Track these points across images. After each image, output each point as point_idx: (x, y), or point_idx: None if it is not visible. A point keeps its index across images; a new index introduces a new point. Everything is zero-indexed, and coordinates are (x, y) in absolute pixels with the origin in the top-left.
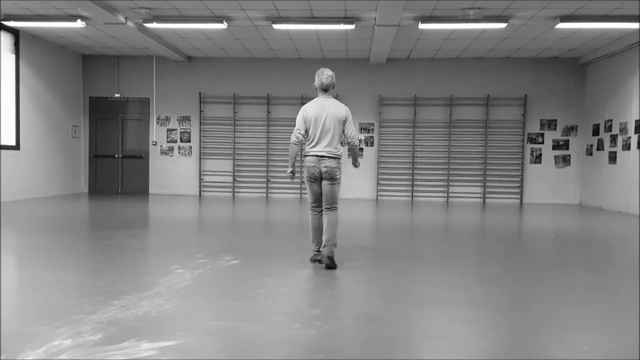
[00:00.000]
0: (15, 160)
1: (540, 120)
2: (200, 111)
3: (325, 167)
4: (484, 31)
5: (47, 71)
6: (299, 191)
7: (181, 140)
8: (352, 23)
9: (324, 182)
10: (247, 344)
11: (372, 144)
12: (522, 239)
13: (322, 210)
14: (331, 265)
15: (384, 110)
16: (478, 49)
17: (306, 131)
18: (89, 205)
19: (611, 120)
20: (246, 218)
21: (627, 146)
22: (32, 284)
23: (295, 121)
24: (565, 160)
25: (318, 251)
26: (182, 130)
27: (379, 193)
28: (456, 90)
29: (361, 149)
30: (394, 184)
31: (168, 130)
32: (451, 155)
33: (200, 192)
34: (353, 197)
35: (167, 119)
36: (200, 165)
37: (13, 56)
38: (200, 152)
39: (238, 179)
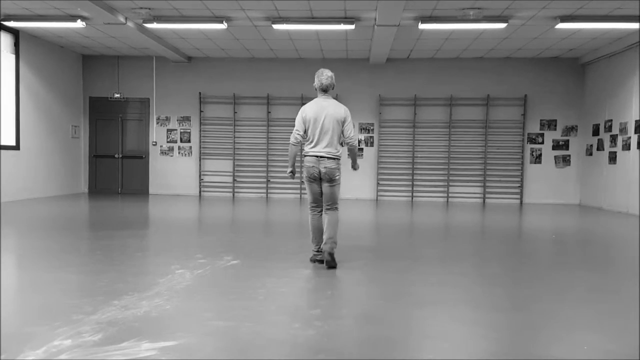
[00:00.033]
0: (15, 160)
1: (540, 120)
2: (200, 111)
3: (325, 167)
4: (484, 31)
5: (47, 71)
6: (298, 191)
7: (181, 141)
8: (352, 23)
9: (324, 184)
10: (247, 344)
11: (372, 144)
12: (522, 239)
13: (321, 211)
14: (332, 263)
15: (384, 110)
16: (478, 49)
17: (305, 132)
18: (89, 205)
19: (611, 120)
20: (246, 218)
21: (627, 146)
22: (32, 284)
23: (295, 121)
24: (565, 160)
25: (318, 251)
26: (182, 131)
27: (379, 193)
28: (456, 90)
29: (361, 149)
30: (394, 184)
31: (168, 130)
32: (451, 156)
33: (200, 192)
34: (353, 197)
35: (167, 119)
36: (200, 165)
37: (13, 56)
38: (200, 152)
39: (238, 179)
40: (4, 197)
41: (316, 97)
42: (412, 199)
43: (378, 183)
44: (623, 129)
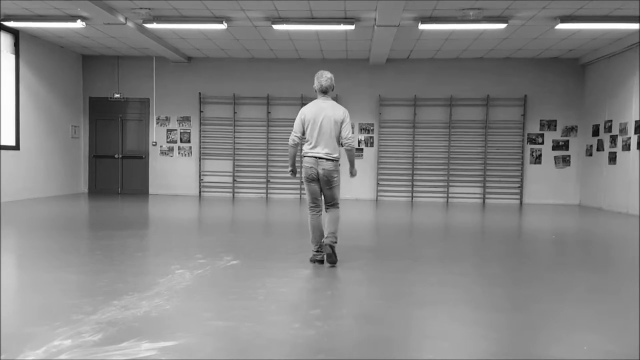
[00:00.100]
0: (15, 161)
1: (540, 120)
2: (200, 111)
3: (323, 169)
4: (483, 32)
5: (47, 71)
6: (298, 191)
7: (181, 141)
8: (351, 23)
9: (323, 185)
10: (247, 344)
11: (372, 145)
12: (522, 239)
13: (320, 210)
14: (332, 258)
15: (383, 110)
16: (478, 49)
17: (303, 133)
18: (89, 205)
19: (611, 120)
20: (246, 218)
21: (626, 147)
22: (32, 284)
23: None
24: (565, 160)
25: (317, 251)
26: (182, 131)
27: (379, 193)
28: (456, 91)
29: (360, 150)
30: (394, 185)
31: (168, 130)
32: (451, 156)
33: (200, 192)
34: (353, 197)
35: (167, 119)
36: (200, 165)
37: (13, 56)
38: (200, 153)
39: (238, 180)
40: (4, 197)
41: (316, 98)
42: (412, 199)
43: (378, 183)
44: (623, 130)
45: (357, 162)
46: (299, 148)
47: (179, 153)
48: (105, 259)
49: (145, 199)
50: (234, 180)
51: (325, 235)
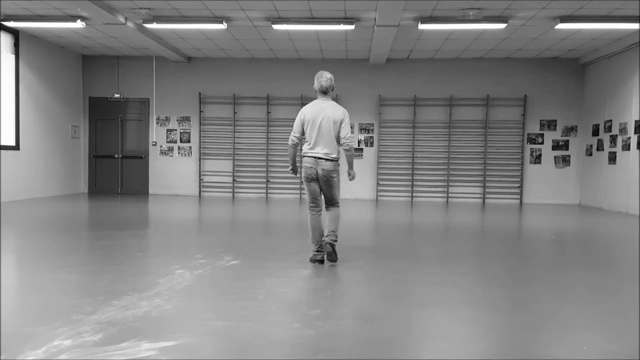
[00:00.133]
0: (15, 161)
1: (540, 120)
2: (200, 111)
3: (322, 169)
4: (483, 31)
5: (47, 71)
6: (298, 191)
7: (181, 141)
8: (351, 23)
9: (322, 185)
10: (247, 344)
11: (371, 145)
12: (522, 239)
13: (320, 210)
14: (332, 256)
15: (383, 110)
16: (478, 49)
17: (303, 133)
18: (89, 205)
19: (611, 120)
20: (246, 218)
21: (626, 146)
22: (32, 284)
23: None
24: (565, 160)
25: (317, 251)
26: (181, 131)
27: (379, 193)
28: (456, 91)
29: (360, 150)
30: (394, 184)
31: (168, 130)
32: (451, 156)
33: (200, 192)
34: (353, 197)
35: (167, 119)
36: (200, 165)
37: (13, 56)
38: (200, 153)
39: (238, 179)
40: (4, 197)
41: (316, 98)
42: (411, 199)
43: (378, 183)
44: (623, 129)
45: (357, 162)
46: (299, 148)
47: (179, 153)
48: (105, 259)
49: (145, 199)
50: (234, 180)
51: (326, 234)
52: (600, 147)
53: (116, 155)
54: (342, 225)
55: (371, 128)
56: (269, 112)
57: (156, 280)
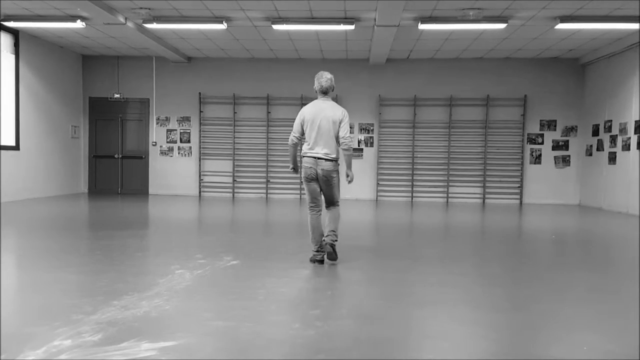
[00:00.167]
0: (15, 161)
1: (540, 120)
2: (200, 111)
3: (322, 169)
4: (483, 31)
5: (47, 71)
6: (298, 191)
7: (181, 141)
8: (351, 23)
9: (322, 185)
10: (247, 344)
11: (371, 145)
12: (522, 239)
13: (320, 210)
14: (332, 256)
15: (383, 110)
16: (478, 49)
17: (303, 133)
18: (89, 205)
19: (611, 120)
20: (246, 218)
21: (626, 146)
22: (32, 284)
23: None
24: (565, 160)
25: (317, 251)
26: (181, 131)
27: (379, 193)
28: (456, 91)
29: (360, 150)
30: (394, 185)
31: (168, 130)
32: (451, 156)
33: (200, 192)
34: (353, 197)
35: (167, 119)
36: (200, 165)
37: (13, 56)
38: (200, 153)
39: (238, 180)
40: (4, 197)
41: (316, 98)
42: (412, 199)
43: (378, 183)
44: (623, 130)
45: (357, 162)
46: (299, 147)
47: (178, 153)
48: (105, 259)
49: (145, 199)
50: (234, 180)
51: (326, 234)
52: (600, 147)
53: (116, 156)
54: (342, 225)
55: (371, 128)
56: (269, 112)
57: (156, 280)
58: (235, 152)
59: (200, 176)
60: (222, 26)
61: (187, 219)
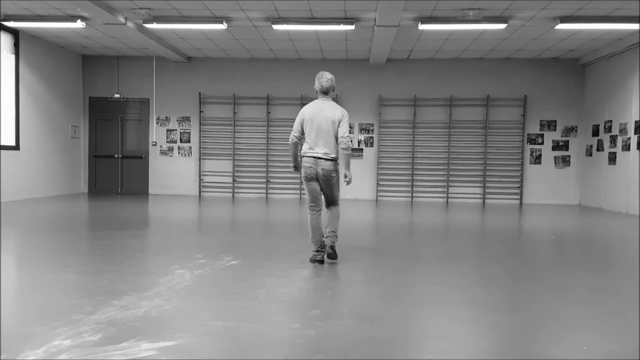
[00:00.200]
0: (15, 161)
1: (540, 120)
2: (200, 111)
3: (322, 169)
4: (483, 32)
5: (47, 71)
6: (298, 191)
7: (181, 141)
8: (351, 24)
9: (322, 184)
10: (247, 344)
11: (371, 145)
12: (522, 239)
13: (320, 210)
14: (332, 256)
15: (383, 110)
16: (478, 49)
17: (302, 133)
18: (89, 205)
19: (611, 121)
20: (246, 218)
21: (626, 147)
22: (32, 284)
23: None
24: (565, 160)
25: (317, 251)
26: (181, 131)
27: (379, 193)
28: (456, 91)
29: (360, 150)
30: (394, 185)
31: (168, 130)
32: (451, 156)
33: (200, 192)
34: (353, 197)
35: (167, 119)
36: (200, 165)
37: (13, 56)
38: (200, 153)
39: (238, 180)
40: (4, 197)
41: (316, 98)
42: (411, 199)
43: (378, 183)
44: (623, 130)
45: (357, 162)
46: (300, 146)
47: (178, 153)
48: (105, 259)
49: (145, 199)
50: (234, 180)
51: (326, 235)
52: (600, 148)
53: (116, 155)
54: (342, 225)
55: (371, 128)
56: (269, 112)
57: (156, 280)
58: (235, 152)
59: (200, 176)
60: (222, 26)
61: (187, 219)
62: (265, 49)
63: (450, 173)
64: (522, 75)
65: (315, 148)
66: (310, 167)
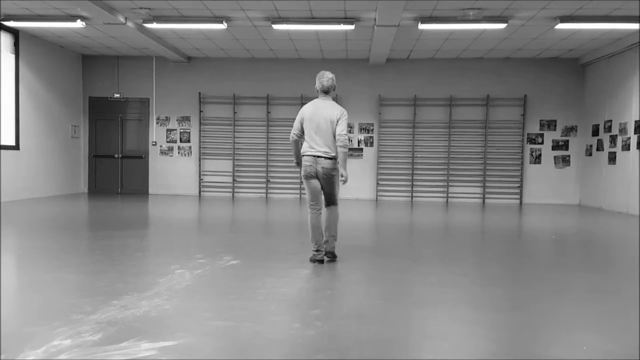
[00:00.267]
0: (15, 160)
1: (540, 120)
2: (200, 111)
3: (322, 167)
4: (483, 31)
5: (47, 71)
6: (298, 191)
7: (181, 141)
8: (351, 23)
9: (322, 183)
10: (247, 344)
11: (371, 144)
12: (521, 239)
13: (320, 209)
14: (332, 258)
15: (383, 110)
16: (478, 49)
17: (302, 131)
18: (89, 205)
19: (611, 120)
20: (246, 218)
21: (626, 146)
22: (32, 284)
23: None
24: (565, 160)
25: (317, 250)
26: (181, 131)
27: (379, 193)
28: (456, 91)
29: (360, 150)
30: (394, 184)
31: (168, 130)
32: (451, 156)
33: (199, 192)
34: (353, 197)
35: (167, 119)
36: (200, 165)
37: (13, 56)
38: (200, 153)
39: (238, 179)
40: (4, 197)
41: (317, 97)
42: (411, 199)
43: (378, 183)
44: (623, 130)
45: (357, 161)
46: (300, 144)
47: (178, 153)
48: (105, 259)
49: (145, 199)
50: (234, 180)
51: (325, 239)
52: (600, 147)
53: (116, 155)
54: (342, 225)
55: (371, 128)
56: (269, 112)
57: (156, 280)
58: (235, 152)
59: (200, 176)
60: (222, 26)
61: (187, 218)
62: (265, 49)
63: (450, 173)
64: (522, 75)
65: (314, 147)
66: (310, 165)
